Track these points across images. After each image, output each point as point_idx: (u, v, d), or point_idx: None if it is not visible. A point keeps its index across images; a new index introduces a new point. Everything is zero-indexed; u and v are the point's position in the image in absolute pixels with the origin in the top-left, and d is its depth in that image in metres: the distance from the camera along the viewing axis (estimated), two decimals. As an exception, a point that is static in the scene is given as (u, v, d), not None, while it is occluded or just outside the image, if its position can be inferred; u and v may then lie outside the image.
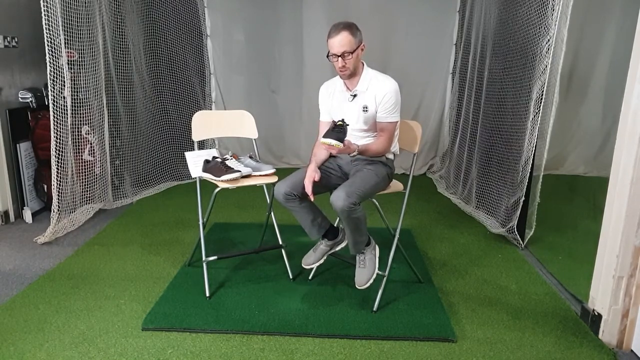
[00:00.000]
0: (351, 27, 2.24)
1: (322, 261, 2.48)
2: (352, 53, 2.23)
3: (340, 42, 2.21)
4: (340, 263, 2.81)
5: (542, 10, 2.92)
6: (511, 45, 3.42)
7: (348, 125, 2.20)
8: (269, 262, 2.90)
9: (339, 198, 2.11)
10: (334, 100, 2.45)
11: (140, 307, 2.40)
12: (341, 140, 2.13)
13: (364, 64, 2.37)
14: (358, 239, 2.31)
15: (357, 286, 2.34)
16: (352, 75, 2.33)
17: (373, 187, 2.29)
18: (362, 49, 2.29)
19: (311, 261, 2.47)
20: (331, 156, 2.49)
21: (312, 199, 2.26)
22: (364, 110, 2.32)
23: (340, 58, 2.24)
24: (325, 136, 2.15)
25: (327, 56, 2.29)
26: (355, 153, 2.27)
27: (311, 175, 2.25)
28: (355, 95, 2.35)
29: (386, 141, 2.35)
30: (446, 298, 2.55)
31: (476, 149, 3.90)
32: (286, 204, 2.32)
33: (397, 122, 2.37)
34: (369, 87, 2.32)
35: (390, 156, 2.48)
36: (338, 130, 2.16)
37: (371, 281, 2.34)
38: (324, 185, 2.40)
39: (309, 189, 2.23)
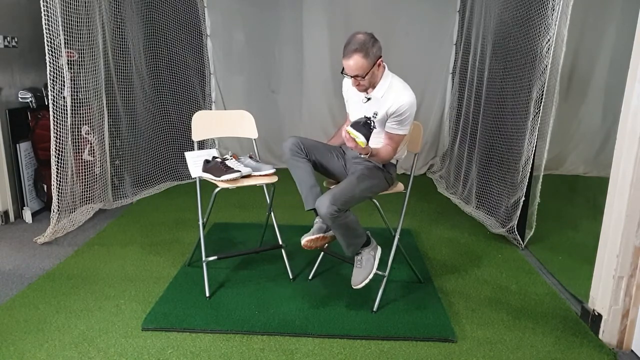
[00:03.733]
0: (365, 48, 2.13)
1: (322, 235, 2.35)
2: (365, 76, 2.18)
3: (354, 66, 2.15)
4: (340, 263, 2.81)
5: (542, 10, 2.92)
6: (511, 45, 3.42)
7: (375, 128, 2.18)
8: (269, 262, 2.90)
9: (322, 204, 2.10)
10: (349, 96, 2.46)
11: (140, 307, 2.40)
12: (367, 138, 2.10)
13: (385, 67, 2.30)
14: (350, 242, 2.29)
15: (352, 285, 2.33)
16: (368, 89, 2.29)
17: (362, 191, 2.26)
18: (378, 65, 2.21)
19: (310, 233, 2.35)
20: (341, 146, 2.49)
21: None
22: (373, 116, 2.30)
23: (353, 78, 2.22)
24: (354, 127, 2.10)
25: (342, 72, 2.24)
26: (367, 155, 2.23)
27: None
28: (369, 99, 2.33)
29: (392, 150, 2.33)
30: (446, 298, 2.55)
31: (476, 149, 3.90)
32: (291, 156, 2.29)
33: (405, 134, 2.34)
34: (385, 95, 2.27)
35: (393, 161, 2.47)
36: (367, 127, 2.12)
37: (366, 281, 2.30)
38: (324, 167, 2.39)
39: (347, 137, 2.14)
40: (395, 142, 2.32)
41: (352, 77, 2.20)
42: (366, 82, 2.23)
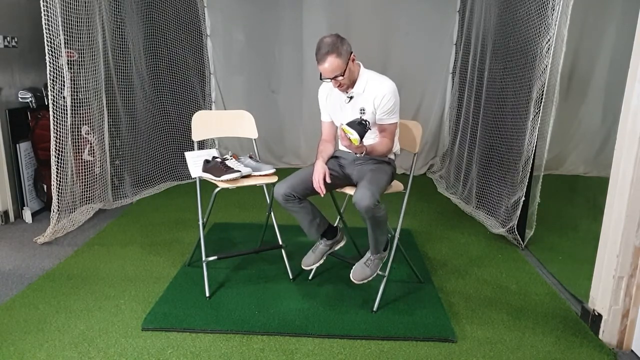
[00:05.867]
0: (335, 48, 2.17)
1: (321, 261, 2.48)
2: (343, 74, 2.21)
3: (330, 68, 2.19)
4: (340, 263, 2.80)
5: (542, 10, 2.92)
6: (511, 45, 3.42)
7: (370, 129, 2.23)
8: (269, 262, 2.90)
9: (364, 197, 2.10)
10: (330, 102, 2.45)
11: (140, 307, 2.40)
12: (361, 137, 2.14)
13: (360, 65, 2.35)
14: (380, 239, 2.32)
15: (351, 277, 2.36)
16: (350, 87, 2.32)
17: (385, 185, 2.32)
18: (353, 60, 2.26)
19: (311, 262, 2.47)
20: (334, 156, 2.49)
21: (323, 195, 2.25)
22: (361, 112, 2.31)
23: (333, 80, 2.24)
24: (349, 125, 2.16)
25: (320, 78, 2.27)
26: (362, 154, 2.26)
27: (320, 171, 2.25)
28: (351, 97, 2.35)
29: (389, 141, 2.36)
30: (446, 298, 2.54)
31: (476, 149, 3.90)
32: (285, 204, 2.31)
33: (397, 122, 2.37)
34: (366, 89, 2.30)
35: (392, 156, 2.48)
36: (362, 126, 2.16)
37: (366, 281, 2.36)
38: (326, 186, 2.40)
39: (320, 187, 2.22)
40: (390, 133, 2.36)
41: (332, 79, 2.23)
42: (346, 80, 2.25)
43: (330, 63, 2.18)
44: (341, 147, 2.50)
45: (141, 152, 4.30)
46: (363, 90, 2.31)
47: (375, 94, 2.28)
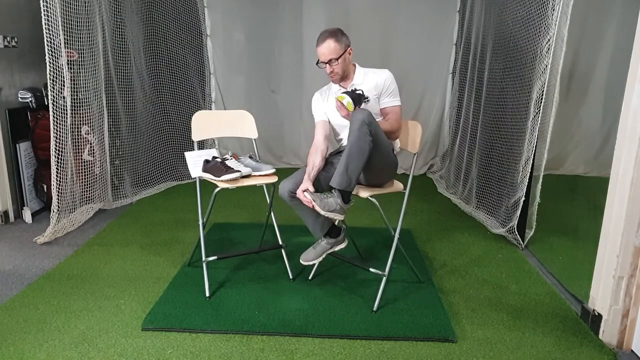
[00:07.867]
0: (335, 34, 2.34)
1: (320, 259, 2.47)
2: (338, 59, 2.34)
3: (326, 50, 2.33)
4: (340, 263, 2.81)
5: (542, 10, 2.92)
6: (511, 45, 3.42)
7: (367, 100, 2.32)
8: (269, 262, 2.90)
9: (362, 112, 2.16)
10: (329, 102, 2.47)
11: (140, 307, 2.40)
12: (355, 103, 2.23)
13: (356, 65, 2.47)
14: (347, 168, 2.17)
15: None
16: (343, 79, 2.44)
17: (384, 145, 2.31)
18: (349, 53, 2.39)
19: (310, 257, 2.45)
20: (334, 154, 2.49)
21: (312, 206, 2.24)
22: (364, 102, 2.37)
23: (327, 65, 2.36)
24: (344, 92, 2.27)
25: (317, 63, 2.40)
26: None
27: (304, 187, 2.26)
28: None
29: (396, 122, 2.43)
30: (446, 298, 2.54)
31: (476, 149, 3.90)
32: (291, 202, 2.34)
33: (400, 106, 2.45)
34: (365, 80, 2.41)
35: (393, 152, 2.50)
36: (359, 97, 2.26)
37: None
38: (327, 184, 2.40)
39: (304, 199, 2.24)
40: (395, 114, 2.45)
41: (326, 63, 2.35)
42: (339, 69, 2.37)
43: (328, 45, 2.33)
44: (344, 144, 2.50)
45: (141, 152, 4.30)
46: (362, 81, 2.42)
47: (376, 80, 2.40)
